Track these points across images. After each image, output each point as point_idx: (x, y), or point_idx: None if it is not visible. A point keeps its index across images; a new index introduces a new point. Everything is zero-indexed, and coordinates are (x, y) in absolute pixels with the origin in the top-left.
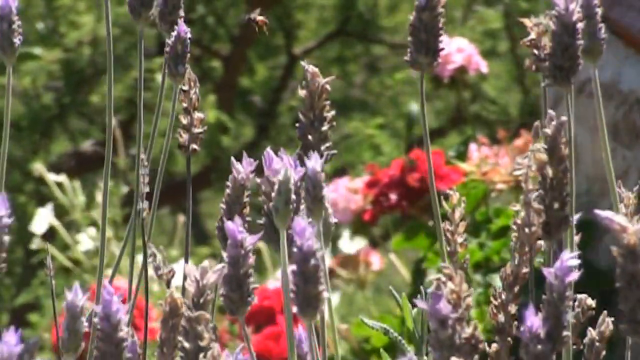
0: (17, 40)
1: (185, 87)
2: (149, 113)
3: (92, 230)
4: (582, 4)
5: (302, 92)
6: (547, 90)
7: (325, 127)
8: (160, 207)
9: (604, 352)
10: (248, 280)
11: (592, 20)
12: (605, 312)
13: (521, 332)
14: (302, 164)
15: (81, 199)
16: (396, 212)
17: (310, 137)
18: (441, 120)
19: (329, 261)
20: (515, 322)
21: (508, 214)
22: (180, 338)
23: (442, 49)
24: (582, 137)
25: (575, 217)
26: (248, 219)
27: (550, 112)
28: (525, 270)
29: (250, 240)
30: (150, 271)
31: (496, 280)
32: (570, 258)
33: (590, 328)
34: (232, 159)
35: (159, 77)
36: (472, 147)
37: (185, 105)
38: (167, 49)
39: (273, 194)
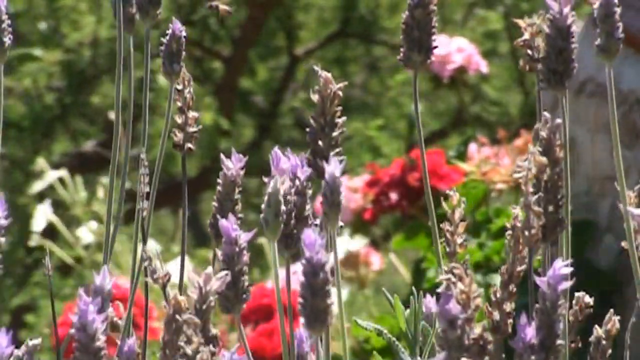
0: (7, 40)
1: (180, 87)
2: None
3: (92, 224)
4: (601, 3)
5: (314, 97)
6: (542, 92)
7: (336, 133)
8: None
9: (610, 351)
10: (243, 278)
11: (611, 19)
12: (611, 310)
13: (515, 342)
14: (311, 167)
15: (82, 195)
16: (396, 211)
17: (320, 142)
18: (443, 121)
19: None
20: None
21: (508, 214)
22: (181, 343)
23: (436, 46)
24: (582, 137)
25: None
26: (240, 215)
27: (545, 114)
28: (520, 268)
29: (244, 238)
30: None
31: (496, 280)
32: (563, 266)
33: (596, 326)
34: (222, 155)
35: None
36: (472, 147)
37: (179, 104)
38: (161, 47)
39: (262, 206)
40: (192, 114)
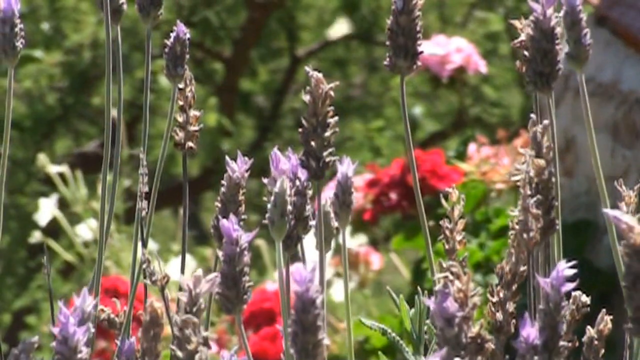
0: (19, 44)
1: (181, 85)
2: (150, 114)
3: (92, 222)
4: (566, 10)
5: (305, 98)
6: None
7: (328, 133)
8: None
9: (602, 351)
10: (244, 279)
11: (577, 26)
12: (604, 310)
13: (518, 343)
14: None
15: (83, 192)
16: (396, 212)
17: (313, 143)
18: (444, 123)
19: (329, 261)
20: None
21: (508, 214)
22: (172, 347)
23: (421, 52)
24: (582, 137)
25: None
26: (244, 217)
27: (532, 116)
28: (523, 268)
29: (245, 238)
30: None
31: (496, 280)
32: (566, 267)
33: (589, 327)
34: (227, 158)
35: (161, 78)
36: (472, 147)
37: (181, 103)
38: (166, 50)
39: (268, 206)
40: (193, 112)
